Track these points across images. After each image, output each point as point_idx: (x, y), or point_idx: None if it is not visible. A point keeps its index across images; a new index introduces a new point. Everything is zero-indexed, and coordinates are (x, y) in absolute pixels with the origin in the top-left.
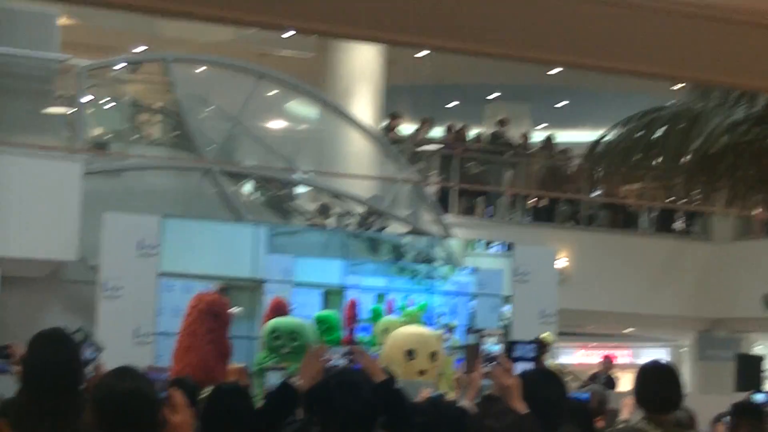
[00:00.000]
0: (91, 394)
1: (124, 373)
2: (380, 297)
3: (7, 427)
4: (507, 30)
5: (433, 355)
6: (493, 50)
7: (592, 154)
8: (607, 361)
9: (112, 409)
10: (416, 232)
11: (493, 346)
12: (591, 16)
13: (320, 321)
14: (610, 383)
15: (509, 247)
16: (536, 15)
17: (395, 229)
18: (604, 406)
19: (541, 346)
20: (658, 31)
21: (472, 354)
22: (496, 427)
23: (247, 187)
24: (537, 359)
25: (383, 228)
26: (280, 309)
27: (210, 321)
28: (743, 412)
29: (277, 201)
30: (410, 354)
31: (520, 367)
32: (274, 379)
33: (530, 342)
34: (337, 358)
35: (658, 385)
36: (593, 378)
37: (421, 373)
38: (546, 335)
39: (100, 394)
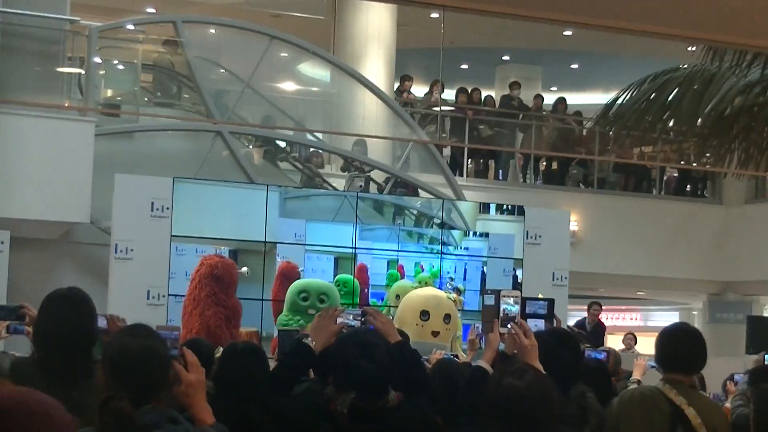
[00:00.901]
0: (103, 352)
1: (136, 330)
2: (392, 263)
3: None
4: None
5: (447, 317)
6: (505, 10)
7: (605, 117)
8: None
9: (125, 366)
10: (428, 194)
11: (511, 306)
12: None
13: (339, 284)
14: (599, 330)
15: (521, 211)
16: None
17: (407, 192)
18: (618, 366)
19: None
20: None
21: (489, 314)
22: (517, 385)
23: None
24: (549, 317)
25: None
26: (289, 273)
27: (212, 284)
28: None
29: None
30: (424, 315)
31: (532, 324)
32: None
33: (542, 299)
34: (351, 320)
35: (683, 347)
36: (580, 326)
37: (435, 334)
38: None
39: (112, 351)
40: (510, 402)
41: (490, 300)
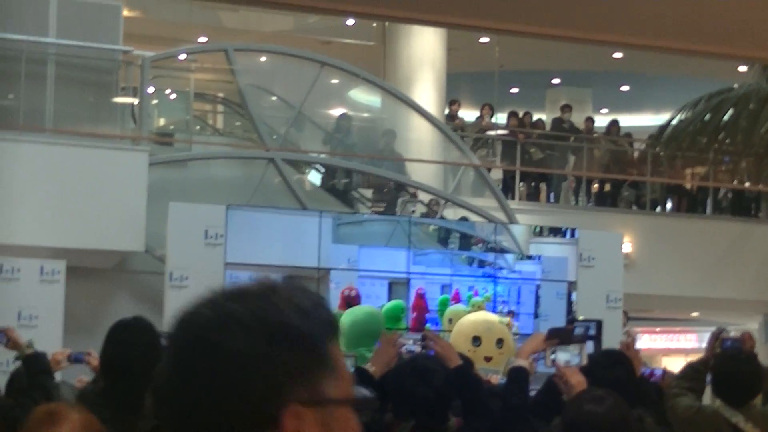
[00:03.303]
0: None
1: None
2: (445, 287)
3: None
4: (569, 13)
5: (500, 342)
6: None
7: (659, 138)
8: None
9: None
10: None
11: (568, 354)
12: None
13: (387, 311)
14: None
15: (573, 233)
16: None
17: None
18: None
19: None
20: (724, 11)
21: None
22: (598, 411)
23: (312, 176)
24: (598, 338)
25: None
26: (351, 299)
27: None
28: None
29: (341, 190)
30: (475, 341)
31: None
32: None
33: (590, 321)
34: (410, 344)
35: (735, 375)
36: None
37: (487, 359)
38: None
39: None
40: (590, 428)
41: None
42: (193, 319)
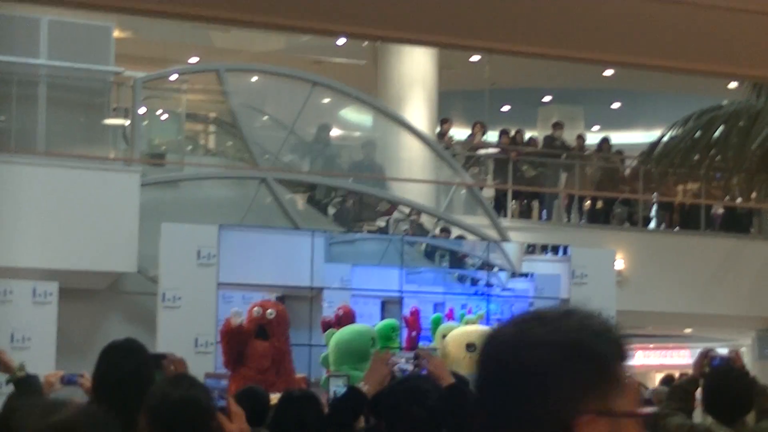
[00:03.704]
0: (145, 401)
1: (179, 380)
2: (437, 306)
3: None
4: (560, 31)
5: None
6: (546, 52)
7: (651, 155)
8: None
9: (166, 417)
10: (473, 236)
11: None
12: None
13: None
14: None
15: (565, 251)
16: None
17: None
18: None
19: None
20: (714, 28)
21: None
22: None
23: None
24: None
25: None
26: (347, 318)
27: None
28: None
29: (333, 209)
30: (470, 347)
31: None
32: (337, 386)
33: None
34: (403, 363)
35: (727, 392)
36: None
37: None
38: None
39: (154, 401)
40: None
41: None
42: (498, 339)
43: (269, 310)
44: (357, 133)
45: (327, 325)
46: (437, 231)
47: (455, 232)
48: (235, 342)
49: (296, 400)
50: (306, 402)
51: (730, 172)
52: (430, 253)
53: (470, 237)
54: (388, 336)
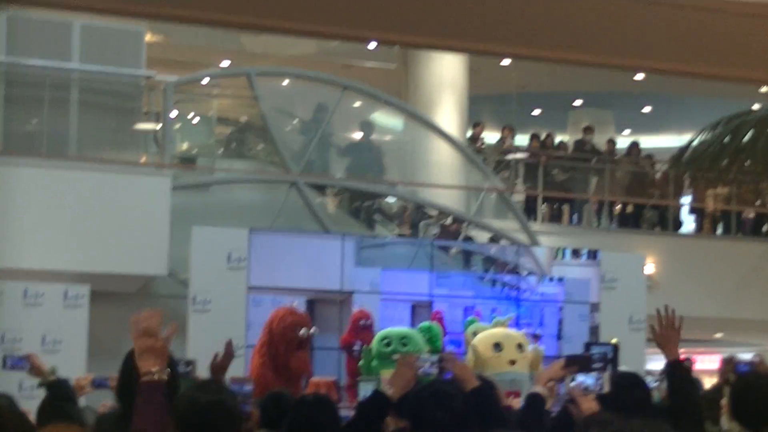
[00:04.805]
0: (173, 406)
1: (208, 385)
2: (467, 310)
3: None
4: (589, 37)
5: (520, 347)
6: (575, 57)
7: (680, 160)
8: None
9: (194, 422)
10: (504, 240)
11: (587, 379)
12: (674, 20)
13: (423, 331)
14: None
15: (595, 255)
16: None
17: (482, 238)
18: None
19: (616, 350)
20: (744, 35)
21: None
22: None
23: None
24: (614, 361)
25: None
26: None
27: (264, 335)
28: None
29: (364, 212)
30: (497, 347)
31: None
32: (366, 390)
33: (605, 344)
34: (428, 367)
35: (755, 398)
36: None
37: (512, 363)
38: (614, 341)
39: (183, 406)
40: None
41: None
42: None
43: (311, 329)
44: (387, 137)
45: (346, 343)
46: (465, 234)
47: (480, 236)
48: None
49: (310, 405)
50: (320, 406)
51: (759, 176)
52: (464, 258)
53: (500, 241)
54: (433, 338)
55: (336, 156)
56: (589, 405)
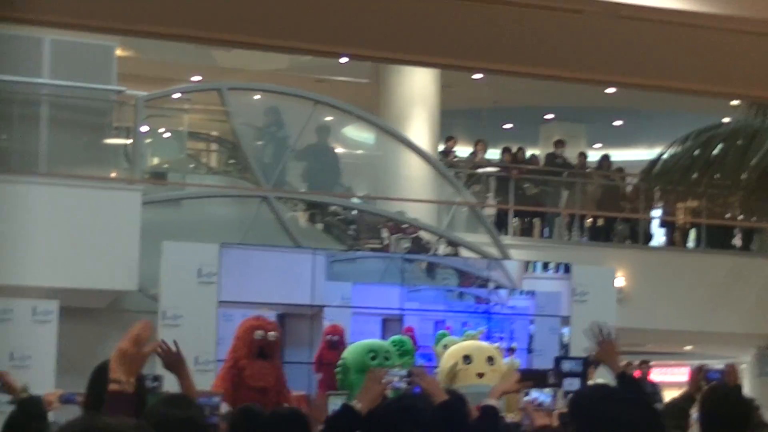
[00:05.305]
0: (143, 420)
1: (176, 400)
2: (438, 324)
3: None
4: (561, 52)
5: (490, 359)
6: (546, 72)
7: (650, 173)
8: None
9: None
10: (475, 254)
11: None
12: (645, 36)
13: (396, 344)
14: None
15: (567, 269)
16: (589, 36)
17: (453, 252)
18: None
19: (588, 362)
20: (713, 49)
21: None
22: None
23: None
24: (584, 374)
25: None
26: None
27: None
28: None
29: (335, 227)
30: (467, 359)
31: (568, 382)
32: (336, 404)
33: (577, 358)
34: (397, 381)
35: (722, 411)
36: None
37: (480, 375)
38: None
39: (152, 421)
40: None
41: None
42: None
43: (271, 333)
44: (359, 151)
45: (319, 360)
46: (440, 249)
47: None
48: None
49: (283, 418)
50: (293, 420)
51: (728, 190)
52: (430, 271)
53: (472, 255)
54: (406, 351)
55: (291, 160)
56: (543, 421)
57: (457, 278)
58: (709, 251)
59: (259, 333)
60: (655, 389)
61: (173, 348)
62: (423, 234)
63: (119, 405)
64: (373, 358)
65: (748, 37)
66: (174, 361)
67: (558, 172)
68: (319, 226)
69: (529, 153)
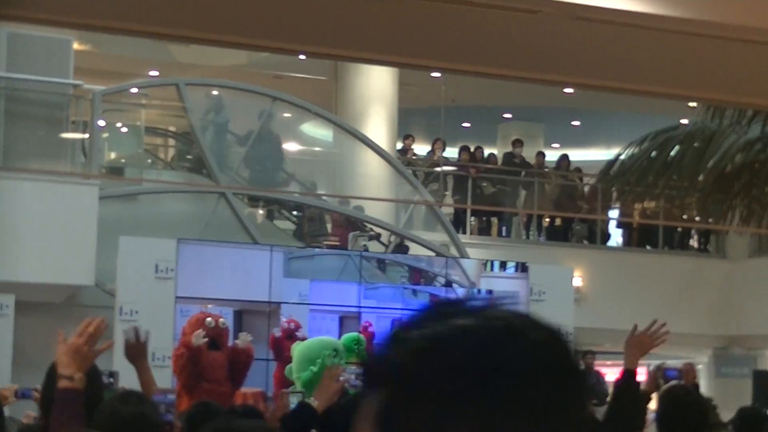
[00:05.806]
0: (95, 418)
1: (129, 396)
2: (395, 322)
3: None
4: (519, 52)
5: None
6: (504, 72)
7: (608, 174)
8: None
9: None
10: (433, 253)
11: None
12: (601, 37)
13: (352, 342)
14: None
15: (524, 268)
16: (547, 37)
17: (411, 251)
18: None
19: None
20: (670, 52)
21: None
22: None
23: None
24: None
25: (400, 249)
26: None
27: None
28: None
29: (293, 224)
30: None
31: None
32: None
33: None
34: (354, 379)
35: (680, 410)
36: None
37: None
38: None
39: (104, 418)
40: None
41: None
42: None
43: (221, 320)
44: (317, 148)
45: (275, 341)
46: (392, 247)
47: (413, 248)
48: (196, 360)
49: (240, 416)
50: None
51: (685, 192)
52: (383, 268)
53: (429, 253)
54: (351, 348)
55: (233, 145)
56: None
57: (408, 275)
58: (665, 252)
59: (209, 320)
60: (599, 380)
61: (142, 338)
62: (377, 230)
63: (70, 402)
64: (335, 356)
65: (703, 40)
66: (137, 352)
67: (516, 171)
68: (278, 222)
69: (487, 152)
